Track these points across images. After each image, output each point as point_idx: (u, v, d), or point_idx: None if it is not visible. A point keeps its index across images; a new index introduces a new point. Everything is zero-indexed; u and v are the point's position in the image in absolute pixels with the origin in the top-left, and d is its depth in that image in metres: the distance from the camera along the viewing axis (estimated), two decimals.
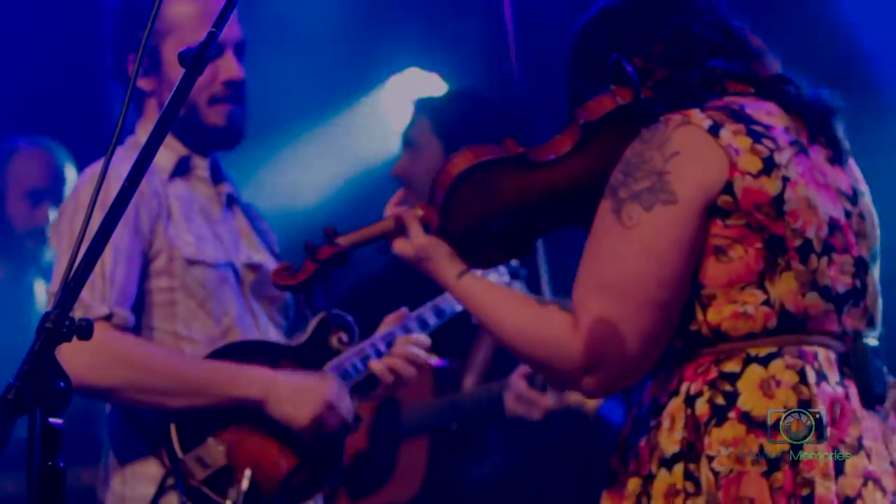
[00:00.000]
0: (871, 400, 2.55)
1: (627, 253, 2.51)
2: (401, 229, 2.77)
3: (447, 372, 4.44)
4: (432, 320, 3.73)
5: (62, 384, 1.97)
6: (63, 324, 1.97)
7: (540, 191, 2.66)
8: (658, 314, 2.51)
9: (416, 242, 2.74)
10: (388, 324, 3.71)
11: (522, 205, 2.68)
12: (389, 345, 3.64)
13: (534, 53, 4.18)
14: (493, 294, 2.71)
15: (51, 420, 1.97)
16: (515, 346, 2.65)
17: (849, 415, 2.52)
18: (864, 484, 2.50)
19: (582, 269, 2.56)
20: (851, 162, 2.69)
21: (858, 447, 2.51)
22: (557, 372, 2.62)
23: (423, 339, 3.68)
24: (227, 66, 3.58)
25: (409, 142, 4.66)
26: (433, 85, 5.34)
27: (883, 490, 2.51)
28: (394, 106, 5.39)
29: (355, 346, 3.64)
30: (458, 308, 3.74)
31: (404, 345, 3.63)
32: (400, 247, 2.77)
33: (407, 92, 5.30)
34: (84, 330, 1.97)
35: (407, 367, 3.60)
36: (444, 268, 2.73)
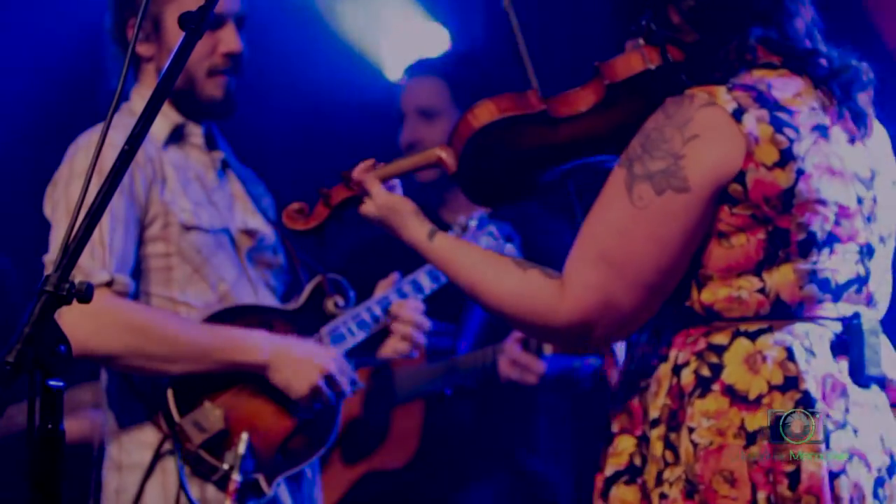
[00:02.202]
0: (864, 380, 2.54)
1: (632, 233, 2.51)
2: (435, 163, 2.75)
3: (441, 336, 4.44)
4: (427, 284, 3.74)
5: (62, 347, 1.98)
6: (63, 287, 1.97)
7: (560, 144, 2.66)
8: (650, 294, 2.53)
9: (378, 201, 2.73)
10: (382, 288, 3.72)
11: (541, 156, 2.68)
12: (385, 309, 3.65)
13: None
14: (470, 253, 2.69)
15: (51, 383, 1.98)
16: (494, 305, 2.63)
17: (838, 390, 2.51)
18: (849, 459, 2.49)
19: (586, 231, 2.57)
20: (879, 134, 2.66)
21: (844, 423, 2.50)
22: (538, 332, 2.66)
23: (418, 303, 3.69)
24: (227, 39, 3.58)
25: (425, 110, 4.58)
26: (435, 36, 5.28)
27: (868, 466, 2.50)
28: (395, 60, 5.33)
29: (351, 310, 3.65)
30: None
31: (404, 310, 3.64)
32: (364, 208, 2.75)
33: (408, 45, 5.25)
34: (84, 293, 1.98)
35: (417, 333, 3.63)
36: (413, 227, 2.71)
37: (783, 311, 2.51)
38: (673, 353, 2.55)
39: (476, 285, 2.63)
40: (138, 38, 3.55)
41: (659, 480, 2.51)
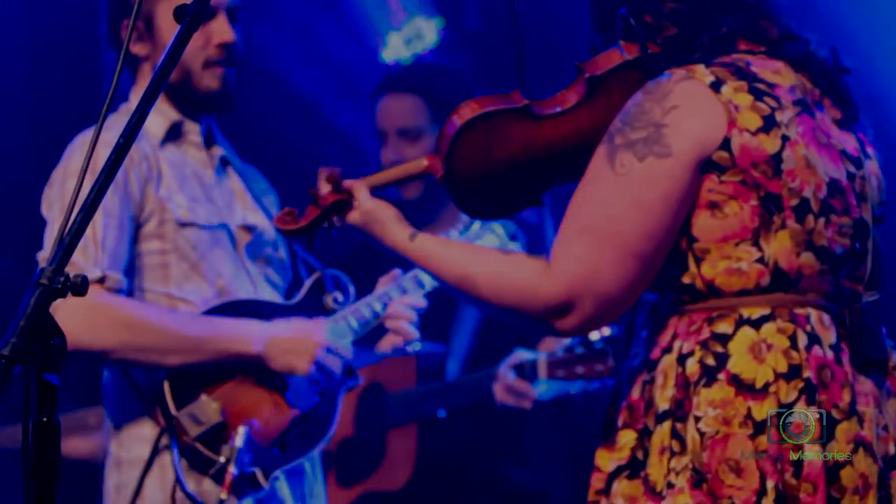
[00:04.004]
0: (865, 364, 2.55)
1: (615, 201, 2.53)
2: (425, 173, 2.77)
3: (431, 357, 4.46)
4: (429, 280, 3.74)
5: (58, 340, 1.98)
6: (58, 279, 1.97)
7: (546, 143, 2.66)
8: (637, 265, 2.53)
9: (363, 208, 2.75)
10: (383, 284, 3.72)
11: (528, 157, 2.68)
12: (385, 304, 3.65)
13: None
14: (453, 248, 2.73)
15: (46, 376, 1.98)
16: (483, 295, 2.63)
17: (840, 379, 2.52)
18: (855, 449, 2.50)
19: (570, 209, 2.58)
20: (864, 125, 2.69)
21: (851, 412, 2.51)
22: (528, 315, 2.61)
23: (411, 298, 3.69)
24: (221, 30, 3.59)
25: (406, 130, 4.57)
26: (434, 33, 5.26)
27: (873, 455, 2.51)
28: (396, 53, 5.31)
29: (351, 305, 3.65)
30: None
31: (396, 306, 3.64)
32: (350, 215, 2.78)
33: (410, 43, 5.23)
34: (80, 286, 1.98)
35: (410, 327, 3.63)
36: (393, 230, 2.74)
37: (783, 283, 2.52)
38: (677, 344, 2.56)
39: (459, 277, 2.65)
40: (132, 39, 3.55)
41: (667, 470, 2.51)
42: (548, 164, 2.69)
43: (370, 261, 4.00)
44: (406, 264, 3.73)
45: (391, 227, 2.73)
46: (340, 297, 3.67)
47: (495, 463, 4.49)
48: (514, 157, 2.68)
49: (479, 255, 2.69)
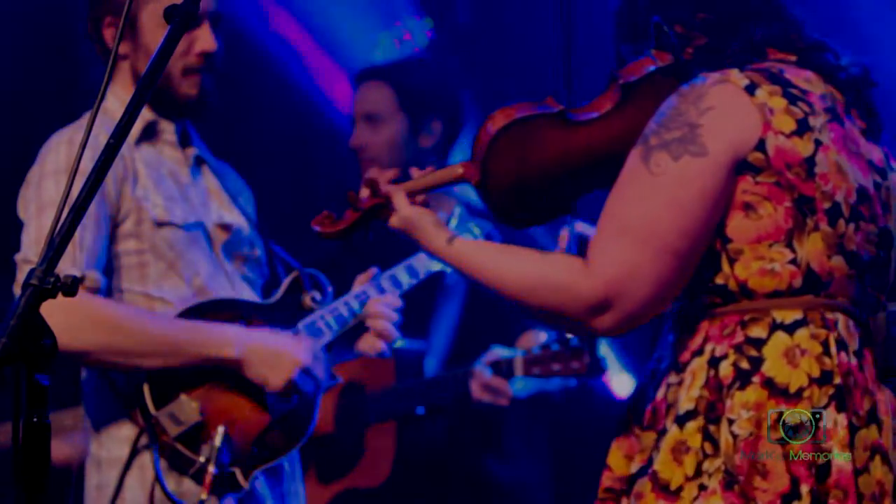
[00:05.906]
0: (885, 372, 2.59)
1: (652, 200, 2.55)
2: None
3: (409, 354, 4.47)
4: (406, 280, 3.75)
5: (48, 341, 1.99)
6: (48, 280, 1.98)
7: (580, 149, 2.68)
8: (675, 262, 2.55)
9: (402, 214, 2.79)
10: (360, 283, 3.73)
11: (563, 162, 2.70)
12: (363, 303, 3.66)
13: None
14: (489, 250, 2.76)
15: (36, 376, 1.98)
16: (519, 295, 2.66)
17: (862, 385, 2.55)
18: (872, 457, 2.53)
19: (605, 211, 2.60)
20: (885, 136, 2.72)
21: (870, 419, 2.54)
22: (565, 314, 2.63)
23: (393, 299, 3.70)
24: (203, 37, 3.59)
25: (370, 115, 4.61)
26: (425, 33, 5.27)
27: (889, 464, 2.54)
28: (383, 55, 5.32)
29: (328, 304, 3.66)
30: (432, 269, 3.76)
31: (378, 306, 3.65)
32: (391, 222, 2.81)
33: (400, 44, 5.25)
34: (70, 287, 1.98)
35: (391, 329, 3.64)
36: (432, 235, 2.77)
37: (814, 286, 2.55)
38: (709, 347, 2.58)
39: (497, 279, 2.67)
40: (114, 36, 3.55)
41: (698, 472, 2.53)
42: (582, 171, 2.70)
43: (347, 260, 4.02)
44: (382, 263, 3.76)
45: (429, 232, 2.77)
46: (318, 296, 3.67)
47: (474, 459, 4.50)
48: (548, 162, 2.69)
49: (516, 256, 2.69)
